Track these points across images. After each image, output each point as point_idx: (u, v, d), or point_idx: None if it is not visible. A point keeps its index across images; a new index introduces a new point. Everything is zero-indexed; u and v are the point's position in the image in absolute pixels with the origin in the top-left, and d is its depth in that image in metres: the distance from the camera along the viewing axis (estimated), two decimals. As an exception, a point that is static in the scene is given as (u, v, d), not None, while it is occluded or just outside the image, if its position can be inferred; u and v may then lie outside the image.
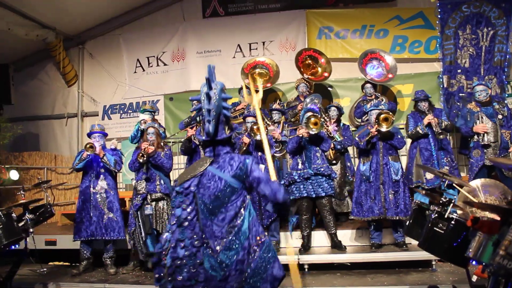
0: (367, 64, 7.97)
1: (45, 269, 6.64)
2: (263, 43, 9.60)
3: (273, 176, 3.30)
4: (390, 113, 5.75)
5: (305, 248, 6.05)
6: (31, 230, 5.05)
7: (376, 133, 5.73)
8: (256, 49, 9.61)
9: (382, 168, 5.83)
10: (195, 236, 2.98)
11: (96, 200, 6.20)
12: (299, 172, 6.00)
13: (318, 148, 6.03)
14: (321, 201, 5.97)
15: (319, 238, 6.35)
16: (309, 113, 5.94)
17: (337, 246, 5.97)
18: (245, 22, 9.71)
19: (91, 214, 6.17)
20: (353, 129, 8.01)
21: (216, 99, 3.00)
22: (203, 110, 3.06)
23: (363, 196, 5.91)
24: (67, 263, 7.33)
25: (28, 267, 6.62)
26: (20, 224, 4.93)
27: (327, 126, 6.61)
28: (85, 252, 6.29)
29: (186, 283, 2.98)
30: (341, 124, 7.27)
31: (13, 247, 5.08)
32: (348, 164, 7.23)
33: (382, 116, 5.70)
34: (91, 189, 6.24)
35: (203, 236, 2.97)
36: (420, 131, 6.36)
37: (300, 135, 5.89)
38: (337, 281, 5.39)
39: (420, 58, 8.78)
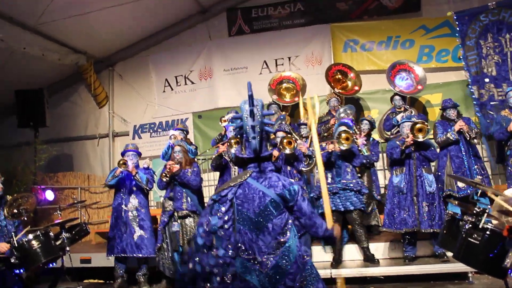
0: (395, 75, 7.93)
1: (81, 286, 6.74)
2: (289, 58, 9.66)
3: (327, 205, 3.44)
4: (426, 123, 5.68)
5: (337, 262, 5.98)
6: (67, 248, 5.17)
7: (412, 142, 5.67)
8: (282, 64, 9.69)
9: (415, 180, 5.74)
10: (229, 246, 2.93)
11: (128, 218, 6.29)
12: (328, 186, 5.97)
13: (349, 163, 6.00)
14: (351, 215, 5.91)
15: (351, 251, 6.28)
16: (343, 127, 5.95)
17: (369, 259, 5.90)
18: (271, 39, 9.82)
19: (122, 231, 6.25)
20: (382, 141, 7.96)
21: (259, 116, 2.98)
22: (247, 128, 3.01)
23: (396, 208, 5.82)
24: (101, 281, 7.42)
25: (64, 285, 6.74)
26: (58, 243, 5.06)
27: (356, 139, 6.57)
28: (119, 269, 6.37)
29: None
30: (371, 138, 7.22)
31: (51, 265, 5.22)
32: (374, 178, 7.15)
33: (417, 126, 5.63)
34: (123, 206, 6.34)
35: (246, 250, 2.92)
36: (451, 138, 6.27)
37: (330, 151, 5.88)
38: (371, 295, 5.33)
39: (448, 67, 8.70)
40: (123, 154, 6.55)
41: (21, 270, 4.79)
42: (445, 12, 8.83)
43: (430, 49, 8.78)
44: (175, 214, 6.09)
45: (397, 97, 7.50)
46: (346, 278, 5.81)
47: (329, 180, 5.99)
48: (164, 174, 6.02)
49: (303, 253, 3.03)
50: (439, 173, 6.52)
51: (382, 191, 7.44)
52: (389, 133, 7.49)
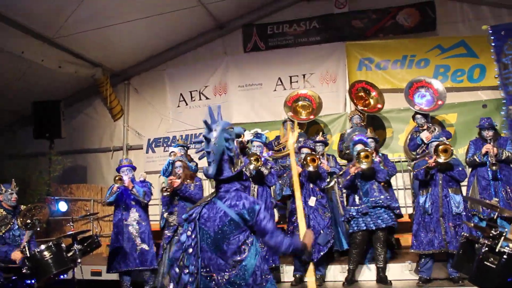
0: (414, 94, 7.85)
1: (91, 299, 6.76)
2: (304, 75, 9.70)
3: (302, 225, 3.43)
4: (449, 144, 5.61)
5: (349, 282, 5.90)
6: (79, 260, 5.16)
7: (434, 164, 5.59)
8: (297, 81, 9.72)
9: (441, 201, 5.63)
10: (194, 263, 2.98)
11: (129, 232, 6.32)
12: (356, 208, 5.92)
13: (373, 180, 5.96)
14: (377, 233, 5.85)
15: (365, 272, 6.19)
16: (359, 146, 5.93)
17: (382, 280, 5.80)
18: (286, 56, 9.87)
19: (124, 246, 6.28)
20: (405, 159, 7.93)
21: (216, 141, 2.96)
22: (204, 152, 3.03)
23: (422, 229, 5.71)
24: (111, 294, 7.42)
25: (75, 297, 6.75)
26: (69, 254, 5.06)
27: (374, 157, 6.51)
28: (125, 283, 6.38)
29: None
30: (380, 154, 7.18)
31: (62, 276, 5.22)
32: (391, 193, 7.06)
33: (441, 147, 5.56)
34: (124, 221, 6.37)
35: (206, 267, 2.96)
36: (477, 159, 6.16)
37: (353, 174, 5.86)
38: (383, 317, 5.23)
39: (464, 87, 8.67)
40: (118, 169, 6.61)
41: (33, 281, 4.79)
42: (461, 31, 8.86)
43: (446, 69, 8.76)
44: (179, 229, 6.10)
45: (418, 116, 7.42)
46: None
47: (357, 201, 5.94)
48: (165, 189, 6.06)
49: (263, 272, 3.01)
50: (468, 193, 6.38)
51: (404, 210, 7.37)
52: (414, 153, 7.40)
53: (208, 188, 8.44)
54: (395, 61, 9.09)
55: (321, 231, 5.97)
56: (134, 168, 6.68)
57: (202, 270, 2.98)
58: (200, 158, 3.23)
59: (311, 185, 6.17)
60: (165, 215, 6.35)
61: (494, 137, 6.35)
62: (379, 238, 5.85)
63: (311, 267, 3.55)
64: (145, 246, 6.28)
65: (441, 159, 5.52)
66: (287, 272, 6.38)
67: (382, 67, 9.13)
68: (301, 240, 3.18)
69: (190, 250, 3.01)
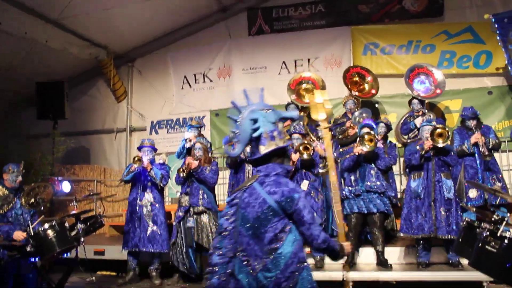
0: (414, 79, 7.82)
1: (93, 278, 6.82)
2: (308, 60, 9.65)
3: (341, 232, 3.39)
4: (446, 128, 5.60)
5: (349, 264, 5.95)
6: (82, 239, 5.22)
7: (431, 146, 5.59)
8: (302, 65, 9.67)
9: (434, 185, 5.66)
10: (230, 246, 2.99)
11: (142, 213, 6.36)
12: (350, 188, 5.94)
13: (373, 165, 5.97)
14: (372, 217, 5.88)
15: (365, 255, 6.24)
16: (366, 129, 5.92)
17: (382, 263, 5.85)
18: (291, 39, 9.80)
19: (136, 225, 6.32)
20: (399, 145, 7.89)
21: (242, 122, 3.01)
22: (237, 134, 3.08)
23: (413, 213, 5.74)
24: (114, 273, 7.50)
25: (78, 275, 6.82)
26: (72, 233, 5.11)
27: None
28: (131, 263, 6.44)
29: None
30: (388, 141, 7.16)
31: (65, 255, 5.28)
32: (391, 181, 7.08)
33: (438, 131, 5.55)
34: (138, 201, 6.41)
35: (243, 251, 2.96)
36: (466, 150, 6.20)
37: (357, 153, 5.86)
38: (382, 300, 5.28)
39: (469, 74, 8.59)
40: (139, 149, 6.62)
41: (36, 259, 4.84)
42: (468, 17, 8.75)
43: (451, 55, 8.68)
44: (191, 209, 6.14)
45: (415, 101, 7.42)
46: (358, 282, 5.77)
47: (352, 182, 5.96)
48: (182, 169, 6.08)
49: (299, 259, 2.97)
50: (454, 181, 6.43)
51: (399, 195, 7.39)
52: (406, 137, 7.41)
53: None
54: (400, 46, 9.01)
55: (314, 214, 6.00)
56: (155, 150, 6.70)
57: (239, 253, 2.97)
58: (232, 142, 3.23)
59: (304, 170, 6.17)
60: (178, 195, 6.38)
61: (478, 126, 6.39)
62: (375, 222, 5.89)
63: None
64: (156, 229, 6.32)
65: (439, 144, 5.52)
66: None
67: (387, 52, 9.06)
68: (339, 242, 3.14)
69: (226, 233, 3.02)
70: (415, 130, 7.13)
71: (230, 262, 2.98)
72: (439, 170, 5.72)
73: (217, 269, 2.99)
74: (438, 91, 7.74)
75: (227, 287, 2.96)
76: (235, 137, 3.03)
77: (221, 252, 3.01)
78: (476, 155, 6.26)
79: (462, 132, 6.48)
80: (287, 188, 2.97)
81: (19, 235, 5.10)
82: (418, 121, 6.99)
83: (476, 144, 6.22)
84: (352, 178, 5.99)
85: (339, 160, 6.88)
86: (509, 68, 7.44)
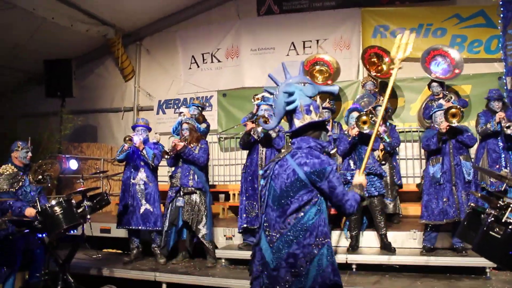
0: (430, 62, 7.70)
1: (99, 255, 6.93)
2: (317, 41, 9.56)
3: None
4: (458, 107, 5.51)
5: (353, 248, 5.97)
6: (88, 216, 5.24)
7: (447, 128, 5.51)
8: (310, 47, 9.60)
9: (453, 169, 5.61)
10: (259, 219, 3.09)
11: (135, 191, 6.40)
12: (352, 172, 5.93)
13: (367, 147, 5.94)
14: (373, 200, 5.88)
15: (369, 238, 6.26)
16: (355, 113, 5.91)
17: (386, 247, 5.87)
18: (300, 20, 9.71)
19: (129, 204, 6.38)
20: (422, 129, 7.91)
21: (277, 95, 3.06)
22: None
23: (433, 199, 5.68)
24: (119, 251, 7.59)
25: (84, 252, 6.92)
26: (79, 211, 5.14)
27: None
28: (133, 241, 6.52)
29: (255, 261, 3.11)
30: (388, 123, 7.14)
31: (72, 232, 5.33)
32: (394, 163, 7.09)
33: (451, 111, 5.47)
34: (131, 180, 6.46)
35: (266, 222, 3.02)
36: (490, 128, 6.07)
37: (353, 136, 5.84)
38: (385, 283, 5.28)
39: (480, 58, 8.48)
40: (133, 128, 6.64)
41: (44, 234, 4.89)
42: (481, 1, 8.59)
43: (463, 39, 8.56)
44: (181, 190, 6.17)
45: (434, 84, 7.33)
46: (362, 265, 5.81)
47: (352, 166, 5.95)
48: (166, 152, 6.09)
49: (321, 234, 2.94)
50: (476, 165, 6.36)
51: (418, 181, 7.43)
52: (429, 121, 7.33)
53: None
54: (411, 29, 8.66)
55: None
56: (149, 129, 6.70)
57: (262, 225, 3.04)
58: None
59: None
60: (169, 176, 6.42)
61: (503, 109, 6.28)
62: (376, 205, 5.89)
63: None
64: (149, 207, 6.37)
65: (454, 123, 5.45)
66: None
67: (397, 35, 8.90)
68: (355, 185, 3.18)
69: (264, 206, 3.09)
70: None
71: (257, 232, 3.11)
72: (458, 153, 5.66)
73: (255, 242, 3.10)
74: (457, 71, 7.61)
75: (257, 257, 3.07)
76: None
77: (258, 225, 3.11)
78: (500, 137, 6.15)
79: (487, 115, 6.33)
80: (318, 160, 2.93)
81: (31, 211, 5.15)
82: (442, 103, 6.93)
83: (500, 123, 6.09)
84: (351, 162, 5.98)
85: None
86: (501, 51, 7.35)
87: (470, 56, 8.49)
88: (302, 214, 2.90)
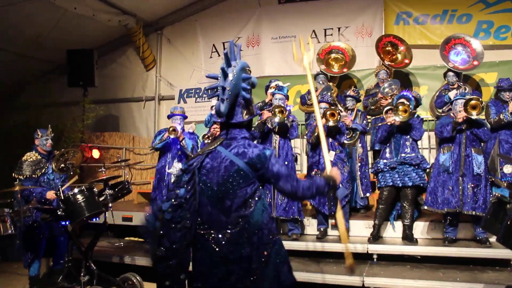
0: (450, 50, 7.54)
1: (121, 243, 7.01)
2: (339, 29, 9.43)
3: (328, 165, 3.20)
4: (480, 100, 5.37)
5: (374, 237, 5.89)
6: (110, 205, 5.30)
7: (464, 118, 5.38)
8: (331, 35, 9.48)
9: (463, 160, 5.49)
10: (188, 216, 2.65)
11: (170, 180, 6.42)
12: (385, 161, 5.85)
13: (408, 136, 5.84)
14: (406, 190, 5.79)
15: (391, 229, 6.16)
16: (402, 100, 5.78)
17: (408, 237, 5.78)
18: (321, 8, 9.59)
19: (163, 193, 6.40)
20: (432, 119, 7.78)
21: (233, 78, 2.68)
22: (218, 88, 2.74)
23: (439, 187, 5.60)
24: (141, 239, 7.65)
25: (106, 240, 7.02)
26: (101, 199, 5.20)
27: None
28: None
29: (178, 269, 2.67)
30: (416, 115, 6.99)
31: (94, 220, 5.40)
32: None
33: (472, 102, 5.34)
34: (166, 169, 6.48)
35: (204, 223, 2.68)
36: (504, 119, 5.95)
37: (390, 123, 5.75)
38: (406, 273, 5.22)
39: (507, 45, 8.23)
40: (169, 116, 6.63)
41: (67, 222, 4.97)
42: (509, -15, 8.33)
43: (489, 25, 8.33)
44: None
45: (450, 73, 7.17)
46: (383, 255, 5.75)
47: (388, 154, 5.87)
48: (206, 136, 6.09)
49: (270, 231, 2.74)
50: (486, 156, 6.24)
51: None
52: (440, 110, 7.20)
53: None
54: (434, 15, 8.69)
55: (340, 185, 5.95)
56: (185, 117, 6.73)
57: (199, 227, 2.68)
58: (209, 97, 3.00)
59: (330, 140, 6.10)
60: None
61: None
62: (407, 195, 5.78)
63: (339, 206, 3.46)
64: None
65: (473, 116, 5.33)
66: (312, 225, 6.43)
67: (420, 21, 8.75)
68: (325, 175, 2.94)
69: (185, 204, 2.67)
70: (449, 103, 6.94)
71: (188, 234, 2.65)
72: (470, 145, 5.53)
73: (176, 247, 2.63)
74: (475, 62, 7.45)
75: (187, 266, 2.68)
76: (224, 93, 2.70)
77: (180, 226, 2.64)
78: None
79: (498, 104, 6.24)
80: (257, 148, 2.72)
81: (51, 194, 5.30)
82: (452, 94, 6.78)
83: None
84: (387, 150, 5.90)
85: (367, 130, 6.78)
86: None
87: (497, 43, 8.26)
88: (250, 210, 2.65)
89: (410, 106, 5.67)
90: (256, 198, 2.70)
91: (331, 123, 5.91)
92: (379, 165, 5.88)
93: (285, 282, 2.75)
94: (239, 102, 2.78)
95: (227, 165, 2.67)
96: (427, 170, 6.05)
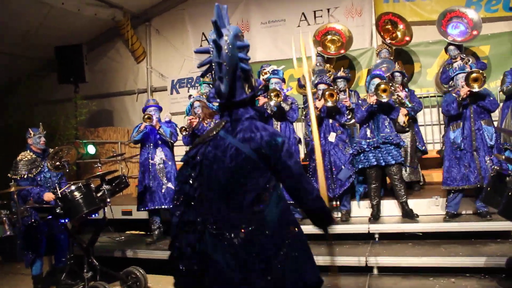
0: (447, 25, 7.47)
1: (122, 237, 7.01)
2: (328, 10, 9.35)
3: (317, 149, 3.14)
4: (481, 72, 5.32)
5: (375, 217, 5.92)
6: (108, 200, 5.26)
7: (468, 93, 5.32)
8: (321, 16, 9.39)
9: (474, 134, 5.45)
10: (199, 219, 2.34)
11: (155, 171, 6.41)
12: (368, 140, 5.86)
13: (386, 116, 5.85)
14: (391, 169, 5.81)
15: (390, 207, 6.20)
16: (376, 79, 5.78)
17: (408, 215, 5.80)
18: (309, -11, 9.47)
19: (151, 184, 6.39)
20: (440, 94, 7.85)
21: (228, 49, 2.22)
22: (213, 65, 2.30)
23: (455, 165, 5.56)
24: (142, 232, 7.66)
25: (107, 235, 7.01)
26: (99, 195, 5.17)
27: (398, 92, 6.34)
28: (155, 222, 6.55)
29: (190, 274, 2.36)
30: (407, 89, 7.00)
31: (93, 216, 5.38)
32: (416, 130, 6.96)
33: (473, 75, 5.28)
34: (150, 160, 6.46)
35: (214, 223, 2.31)
36: None
37: (371, 104, 5.74)
38: (408, 251, 5.25)
39: (498, 17, 8.15)
40: (144, 110, 6.62)
41: (66, 220, 4.95)
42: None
43: (479, -2, 8.26)
44: None
45: (451, 47, 7.11)
46: (384, 234, 5.76)
47: (369, 134, 5.88)
48: (184, 128, 6.08)
49: (289, 223, 2.41)
50: (500, 125, 6.21)
51: (438, 147, 7.42)
52: (446, 86, 7.16)
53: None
54: (423, -10, 8.61)
55: (342, 166, 5.96)
56: (160, 109, 6.70)
57: (209, 227, 2.31)
58: (202, 75, 2.60)
59: (331, 121, 6.09)
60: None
61: None
62: (395, 173, 5.82)
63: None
64: (170, 185, 6.38)
65: (475, 89, 5.27)
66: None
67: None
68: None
69: (193, 202, 2.37)
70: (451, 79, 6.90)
71: (201, 239, 2.32)
72: (479, 118, 5.48)
73: (185, 250, 2.35)
74: (474, 32, 7.37)
75: (202, 272, 2.33)
76: (221, 70, 2.25)
77: (188, 229, 2.35)
78: None
79: None
80: (266, 132, 2.29)
81: (49, 196, 5.25)
82: (457, 66, 6.75)
83: None
84: (368, 130, 5.90)
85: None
86: None
87: (488, 15, 8.17)
88: (265, 204, 2.29)
89: (389, 85, 5.66)
90: (271, 190, 2.32)
91: (329, 104, 5.90)
92: (362, 145, 5.87)
93: (309, 282, 2.39)
94: (238, 76, 2.29)
95: (233, 154, 2.27)
96: (417, 143, 6.13)
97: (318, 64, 7.58)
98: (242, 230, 2.24)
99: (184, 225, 2.36)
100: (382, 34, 7.99)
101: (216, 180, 2.31)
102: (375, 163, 5.81)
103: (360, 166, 5.95)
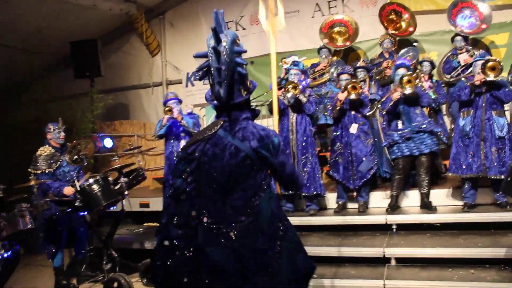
0: (457, 14, 7.37)
1: (141, 229, 7.08)
2: (342, 0, 9.26)
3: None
4: (498, 60, 5.22)
5: (393, 208, 5.87)
6: (126, 192, 5.33)
7: (482, 80, 5.24)
8: (335, 6, 9.30)
9: (483, 124, 5.37)
10: (192, 213, 2.43)
11: None
12: (399, 132, 5.79)
13: (417, 105, 5.77)
14: (421, 158, 5.73)
15: (409, 198, 6.14)
16: (402, 70, 5.71)
17: (426, 206, 5.76)
18: (323, -21, 9.38)
19: None
20: (443, 84, 7.63)
21: (226, 54, 2.36)
22: (212, 70, 2.43)
23: (462, 153, 5.54)
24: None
25: (126, 227, 7.09)
26: (116, 187, 5.23)
27: (422, 82, 6.22)
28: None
29: (180, 270, 2.43)
30: (434, 80, 6.92)
31: (112, 208, 5.45)
32: (441, 122, 6.88)
33: (489, 64, 5.18)
34: (175, 153, 6.49)
35: (210, 217, 2.42)
36: None
37: (395, 99, 5.68)
38: (427, 242, 5.21)
39: (518, 3, 7.98)
40: (165, 103, 6.65)
41: (85, 213, 5.02)
42: None
43: (498, -16, 8.09)
44: None
45: (458, 38, 7.03)
46: (402, 224, 5.73)
47: (400, 125, 5.82)
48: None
49: (281, 218, 2.57)
50: None
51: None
52: (448, 76, 7.09)
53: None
54: (440, -23, 8.47)
55: (364, 158, 5.93)
56: (180, 101, 6.74)
57: (206, 221, 2.42)
58: (200, 79, 2.71)
59: (353, 112, 6.05)
60: None
61: None
62: (423, 163, 5.73)
63: None
64: None
65: (490, 77, 5.18)
66: (329, 200, 6.44)
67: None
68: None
69: (184, 196, 2.46)
70: (459, 68, 6.81)
71: (194, 232, 2.42)
72: (490, 108, 5.39)
73: (177, 243, 2.43)
74: (483, 26, 7.28)
75: (195, 265, 2.41)
76: (220, 75, 2.38)
77: (180, 222, 2.44)
78: None
79: None
80: (264, 132, 2.46)
81: (69, 190, 5.32)
82: (462, 58, 6.66)
83: None
84: (400, 122, 5.83)
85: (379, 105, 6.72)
86: None
87: (507, 2, 7.98)
88: (260, 200, 2.44)
89: (412, 75, 5.58)
90: (265, 186, 2.49)
91: (353, 96, 5.85)
92: (394, 138, 5.81)
93: (303, 271, 2.62)
94: (236, 79, 2.44)
95: (232, 152, 2.40)
96: (439, 133, 6.01)
97: (324, 56, 7.55)
98: (238, 225, 2.38)
99: (171, 217, 2.47)
100: (385, 24, 7.90)
101: (215, 177, 2.42)
102: (408, 153, 5.74)
103: (393, 157, 5.91)
